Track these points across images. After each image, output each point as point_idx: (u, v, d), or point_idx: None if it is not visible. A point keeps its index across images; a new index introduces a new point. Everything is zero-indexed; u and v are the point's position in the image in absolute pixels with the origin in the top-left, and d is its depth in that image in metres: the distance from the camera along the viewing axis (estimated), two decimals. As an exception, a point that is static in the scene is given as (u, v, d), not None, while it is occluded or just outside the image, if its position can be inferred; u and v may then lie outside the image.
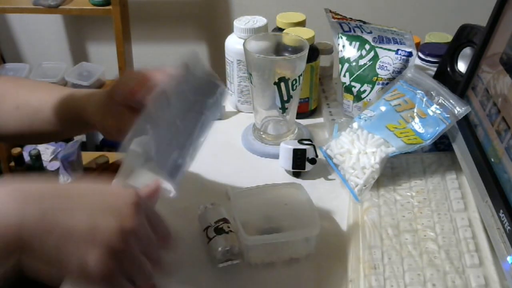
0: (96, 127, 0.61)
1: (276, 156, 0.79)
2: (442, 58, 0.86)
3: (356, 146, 0.74)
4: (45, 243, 0.42)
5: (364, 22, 0.89)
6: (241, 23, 0.88)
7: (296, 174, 0.78)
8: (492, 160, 0.63)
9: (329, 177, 0.78)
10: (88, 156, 1.87)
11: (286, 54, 0.80)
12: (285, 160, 0.76)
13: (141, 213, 0.45)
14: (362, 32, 0.85)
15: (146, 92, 0.55)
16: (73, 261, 0.42)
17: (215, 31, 1.96)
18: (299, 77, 0.77)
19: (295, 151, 0.75)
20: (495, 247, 0.58)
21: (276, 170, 0.79)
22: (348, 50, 0.85)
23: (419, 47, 0.92)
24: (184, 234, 0.67)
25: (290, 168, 0.76)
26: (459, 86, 0.75)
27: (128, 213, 0.44)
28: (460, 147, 0.71)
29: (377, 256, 0.61)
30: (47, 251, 0.42)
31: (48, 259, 0.43)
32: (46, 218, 0.42)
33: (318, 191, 0.74)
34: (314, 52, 0.86)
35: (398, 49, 0.82)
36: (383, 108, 0.77)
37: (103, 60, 1.96)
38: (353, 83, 0.85)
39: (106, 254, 0.42)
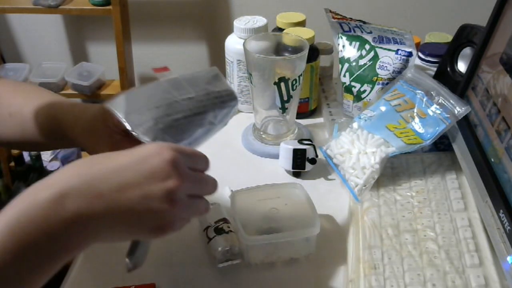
0: (86, 150, 0.59)
1: (276, 156, 0.79)
2: (442, 58, 0.86)
3: (356, 146, 0.74)
4: (109, 228, 0.44)
5: (364, 22, 0.89)
6: (241, 23, 0.88)
7: (296, 174, 0.78)
8: (492, 160, 0.63)
9: (329, 177, 0.78)
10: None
11: (286, 54, 0.80)
12: (285, 160, 0.76)
13: (181, 165, 0.46)
14: (362, 32, 0.85)
15: None
16: (139, 232, 0.46)
17: (215, 31, 1.96)
18: (299, 77, 0.77)
19: (295, 151, 0.75)
20: (495, 247, 0.58)
21: (276, 170, 0.79)
22: (348, 50, 0.85)
23: (419, 47, 0.92)
24: (184, 234, 0.67)
25: (290, 168, 0.76)
26: (459, 86, 0.75)
27: (171, 171, 0.45)
28: (460, 147, 0.71)
29: (377, 256, 0.61)
30: (114, 234, 0.45)
31: (117, 237, 0.46)
32: (104, 202, 0.43)
33: (318, 191, 0.74)
34: (314, 52, 0.86)
35: (398, 49, 0.82)
36: (383, 108, 0.77)
37: (103, 60, 1.96)
38: (353, 83, 0.85)
39: (165, 214, 0.45)
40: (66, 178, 0.43)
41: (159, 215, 0.45)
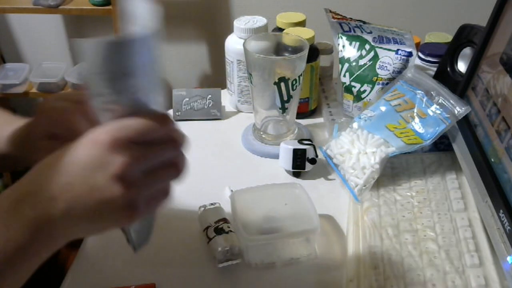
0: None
1: (276, 156, 0.79)
2: (442, 58, 0.86)
3: (356, 146, 0.74)
4: (75, 226, 0.43)
5: (364, 22, 0.89)
6: (241, 23, 0.88)
7: (296, 174, 0.78)
8: (492, 160, 0.63)
9: (329, 177, 0.78)
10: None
11: (286, 54, 0.80)
12: (285, 160, 0.76)
13: (120, 145, 0.43)
14: (362, 32, 0.85)
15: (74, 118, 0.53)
16: (107, 224, 0.44)
17: (215, 31, 1.96)
18: (299, 77, 0.77)
19: (295, 151, 0.75)
20: (495, 247, 0.58)
21: (276, 170, 0.79)
22: (348, 50, 0.85)
23: (419, 47, 0.92)
24: (184, 234, 0.67)
25: (290, 168, 0.76)
26: (459, 86, 0.75)
27: (109, 155, 0.42)
28: (460, 147, 0.71)
29: (377, 256, 0.61)
30: (83, 230, 0.45)
31: (89, 232, 0.46)
32: (59, 204, 0.42)
33: (318, 191, 0.74)
34: (314, 52, 0.86)
35: (398, 49, 0.82)
36: (383, 108, 0.77)
37: (103, 60, 1.96)
38: (353, 83, 0.85)
39: (122, 199, 0.43)
40: (22, 186, 0.44)
41: (116, 203, 0.43)
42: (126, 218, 0.44)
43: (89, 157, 0.43)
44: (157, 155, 0.45)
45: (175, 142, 0.47)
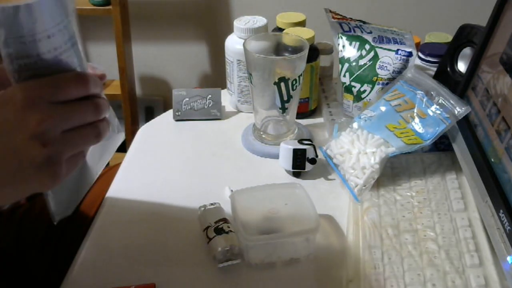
0: None
1: (276, 156, 0.79)
2: (442, 58, 0.86)
3: (356, 146, 0.74)
4: None
5: (364, 22, 0.89)
6: (241, 23, 0.88)
7: (296, 174, 0.78)
8: (492, 160, 0.63)
9: (329, 177, 0.78)
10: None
11: (286, 54, 0.80)
12: (285, 160, 0.76)
13: (37, 103, 0.42)
14: (362, 32, 0.85)
15: None
16: (29, 186, 0.44)
17: (215, 31, 1.96)
18: (299, 77, 0.77)
19: (295, 151, 0.75)
20: (495, 247, 0.58)
21: (276, 170, 0.79)
22: (348, 50, 0.85)
23: (419, 47, 0.92)
24: (184, 234, 0.67)
25: (290, 168, 0.76)
26: (459, 86, 0.75)
27: (26, 113, 0.42)
28: (460, 147, 0.71)
29: (377, 256, 0.61)
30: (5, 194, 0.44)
31: (11, 196, 0.44)
32: None
33: (318, 191, 0.74)
34: (314, 52, 0.86)
35: (398, 49, 0.82)
36: (383, 108, 0.77)
37: (103, 60, 1.96)
38: (353, 83, 0.85)
39: (41, 158, 0.42)
40: None
41: (36, 162, 0.42)
42: (48, 177, 0.43)
43: (3, 118, 0.42)
44: (75, 115, 0.44)
45: (97, 105, 0.46)
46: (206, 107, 0.91)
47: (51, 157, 0.43)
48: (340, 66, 0.86)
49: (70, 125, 0.44)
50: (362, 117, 0.77)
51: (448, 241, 0.62)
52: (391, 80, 0.82)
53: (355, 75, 0.84)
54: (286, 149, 0.76)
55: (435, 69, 0.88)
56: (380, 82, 0.83)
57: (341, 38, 0.86)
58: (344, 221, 0.69)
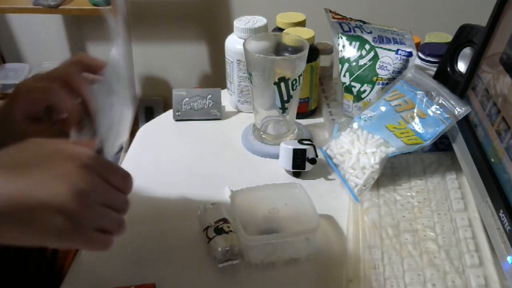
0: None
1: (276, 156, 0.79)
2: (442, 58, 0.86)
3: (356, 146, 0.74)
4: (16, 221, 0.43)
5: (364, 22, 0.89)
6: (241, 23, 0.88)
7: (296, 174, 0.78)
8: (492, 160, 0.63)
9: (329, 177, 0.78)
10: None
11: (286, 54, 0.80)
12: (285, 160, 0.76)
13: (92, 172, 0.45)
14: (362, 32, 0.85)
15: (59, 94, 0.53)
16: (44, 229, 0.44)
17: (215, 31, 1.96)
18: (299, 77, 0.77)
19: (295, 151, 0.75)
20: (495, 247, 0.58)
21: (276, 170, 0.79)
22: (348, 50, 0.85)
23: (419, 47, 0.92)
24: (184, 234, 0.67)
25: (290, 168, 0.76)
26: (459, 86, 0.75)
27: (84, 174, 0.44)
28: (460, 147, 0.71)
29: (377, 256, 0.61)
30: (22, 226, 0.43)
31: (21, 238, 0.44)
32: (4, 200, 0.42)
33: (318, 191, 0.74)
34: (314, 52, 0.86)
35: (398, 49, 0.82)
36: (383, 108, 0.77)
37: (103, 60, 1.96)
38: (353, 83, 0.85)
39: (68, 216, 0.43)
40: None
41: (66, 215, 0.43)
42: (65, 237, 0.44)
43: (62, 167, 0.44)
44: (113, 197, 0.47)
45: (127, 203, 0.49)
46: (206, 107, 0.91)
47: (80, 220, 0.44)
48: (340, 66, 0.86)
49: (107, 202, 0.46)
50: (362, 117, 0.77)
51: (448, 241, 0.62)
52: (391, 80, 0.82)
53: (355, 75, 0.84)
54: (286, 149, 0.76)
55: (435, 69, 0.88)
56: (380, 82, 0.83)
57: (341, 38, 0.86)
58: (344, 221, 0.69)
